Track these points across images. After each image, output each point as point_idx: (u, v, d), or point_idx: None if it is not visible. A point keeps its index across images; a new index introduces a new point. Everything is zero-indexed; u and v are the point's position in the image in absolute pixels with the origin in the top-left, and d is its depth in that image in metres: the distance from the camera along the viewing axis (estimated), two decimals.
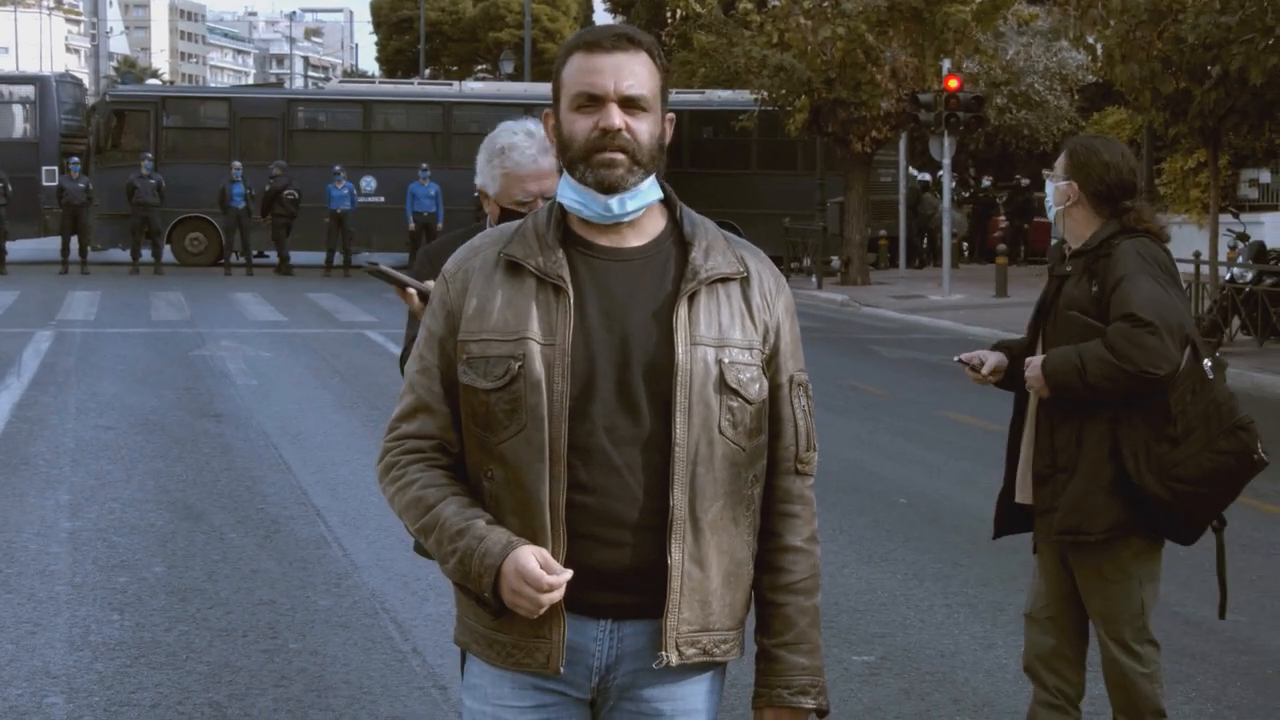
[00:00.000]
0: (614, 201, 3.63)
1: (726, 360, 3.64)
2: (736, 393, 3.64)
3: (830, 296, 34.44)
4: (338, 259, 39.16)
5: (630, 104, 3.62)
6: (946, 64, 34.35)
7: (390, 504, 3.77)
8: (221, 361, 21.13)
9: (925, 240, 47.07)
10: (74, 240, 38.08)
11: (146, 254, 38.54)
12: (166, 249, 39.75)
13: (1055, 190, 6.27)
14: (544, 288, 3.62)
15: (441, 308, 3.74)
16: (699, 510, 3.61)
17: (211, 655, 8.36)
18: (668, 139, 3.72)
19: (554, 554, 3.54)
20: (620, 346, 3.61)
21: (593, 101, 3.62)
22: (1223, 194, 31.00)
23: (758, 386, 3.69)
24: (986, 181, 50.09)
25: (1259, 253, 25.51)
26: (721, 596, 3.67)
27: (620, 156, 3.60)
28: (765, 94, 37.91)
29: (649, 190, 3.68)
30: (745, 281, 3.73)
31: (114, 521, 11.34)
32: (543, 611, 3.51)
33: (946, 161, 34.15)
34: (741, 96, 40.21)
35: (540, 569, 3.47)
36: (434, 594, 9.30)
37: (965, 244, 46.69)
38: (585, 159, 3.63)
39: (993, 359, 6.33)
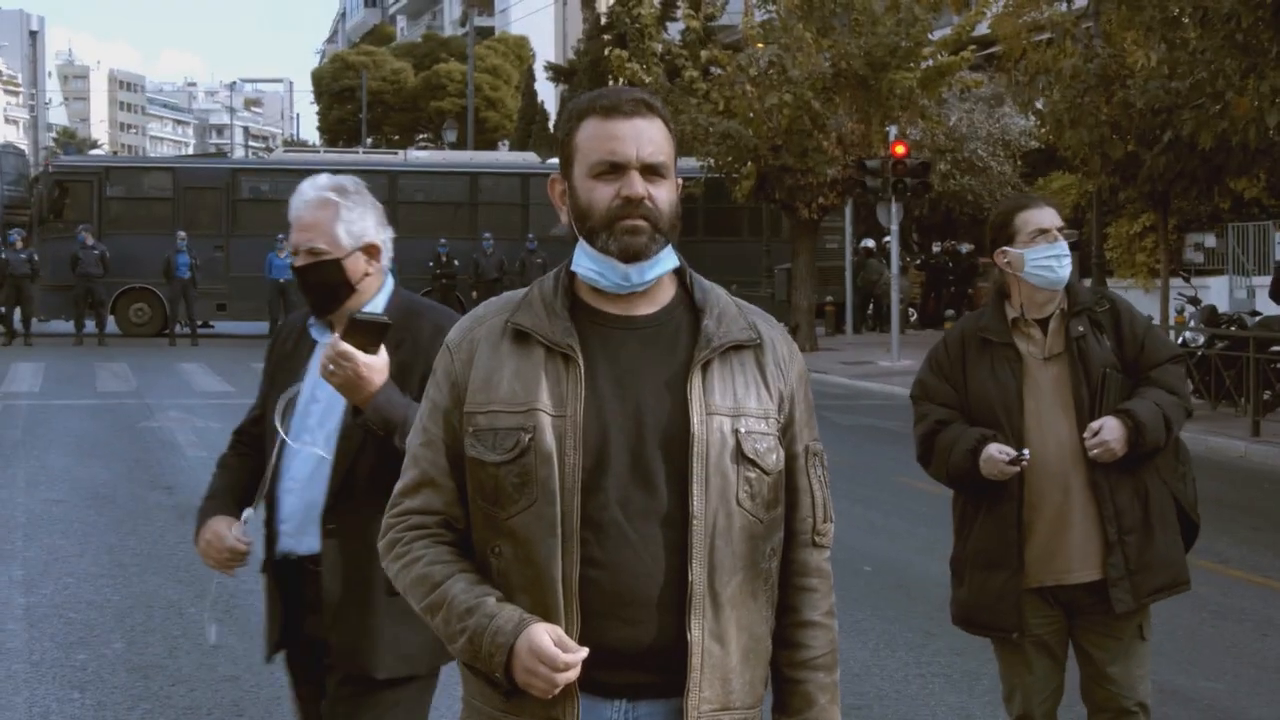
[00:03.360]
0: (633, 270, 3.52)
1: (743, 430, 3.52)
2: (754, 463, 3.52)
3: None
4: None
5: (651, 171, 3.53)
6: (892, 130, 34.44)
7: (394, 582, 3.63)
8: (170, 433, 20.91)
9: (871, 306, 47.14)
10: (17, 311, 37.82)
11: (90, 324, 38.19)
12: (110, 319, 39.50)
13: (1068, 247, 6.14)
14: (553, 357, 3.50)
15: (446, 379, 3.61)
16: (718, 585, 3.47)
17: None
18: (679, 202, 3.63)
19: (567, 632, 3.40)
20: (633, 417, 3.48)
21: (615, 169, 3.52)
22: (1169, 258, 31.15)
23: (775, 456, 3.58)
24: (937, 248, 50.18)
25: (1211, 316, 25.58)
26: (741, 674, 3.53)
27: (643, 224, 3.51)
28: (711, 161, 37.94)
29: (666, 258, 3.59)
30: (759, 349, 3.63)
31: (70, 597, 11.13)
32: (557, 692, 3.37)
33: (894, 228, 34.17)
34: (688, 164, 40.22)
35: (555, 647, 3.33)
36: None
37: (911, 309, 46.75)
38: (608, 227, 3.52)
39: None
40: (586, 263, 3.57)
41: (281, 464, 5.00)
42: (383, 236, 5.07)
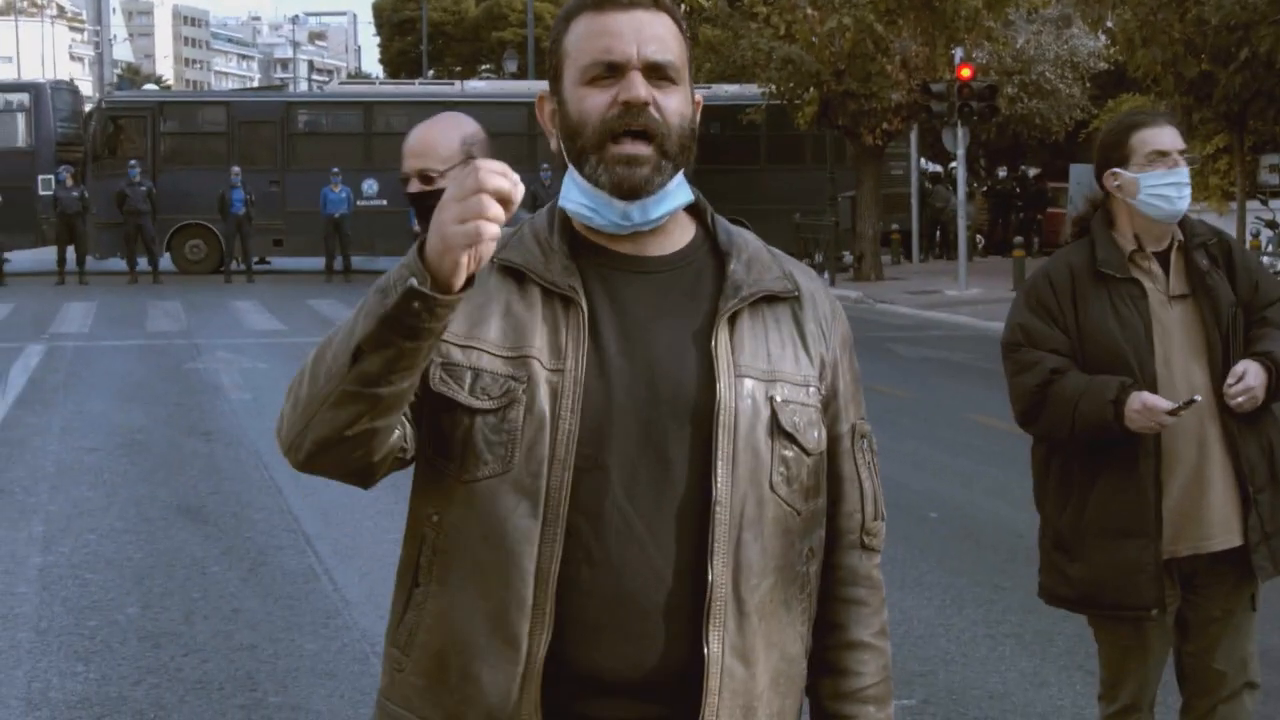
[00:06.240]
0: (634, 209, 2.77)
1: (779, 398, 2.79)
2: (793, 439, 2.80)
3: (844, 293, 33.56)
4: (338, 264, 38.46)
5: (656, 72, 2.76)
6: (958, 53, 33.60)
7: (297, 404, 2.70)
8: (215, 375, 20.36)
9: (938, 233, 46.36)
10: (71, 250, 37.45)
11: (145, 262, 37.71)
12: (166, 256, 39.06)
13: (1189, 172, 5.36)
14: (550, 300, 2.76)
15: None
16: (744, 589, 2.75)
17: (183, 712, 7.54)
18: (696, 124, 2.86)
19: (533, 640, 2.68)
20: (645, 378, 2.75)
21: (611, 71, 2.75)
22: (1245, 180, 30.33)
23: (816, 434, 2.85)
24: (1003, 172, 49.32)
25: None
26: (769, 702, 2.81)
27: (645, 151, 2.74)
28: (773, 87, 37.13)
29: (676, 192, 2.82)
30: (796, 302, 2.89)
31: (88, 556, 10.53)
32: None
33: (961, 153, 33.42)
34: (749, 90, 39.45)
35: None
36: None
37: (979, 236, 45.94)
38: (599, 148, 2.76)
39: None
40: (576, 195, 2.83)
41: None
42: None
